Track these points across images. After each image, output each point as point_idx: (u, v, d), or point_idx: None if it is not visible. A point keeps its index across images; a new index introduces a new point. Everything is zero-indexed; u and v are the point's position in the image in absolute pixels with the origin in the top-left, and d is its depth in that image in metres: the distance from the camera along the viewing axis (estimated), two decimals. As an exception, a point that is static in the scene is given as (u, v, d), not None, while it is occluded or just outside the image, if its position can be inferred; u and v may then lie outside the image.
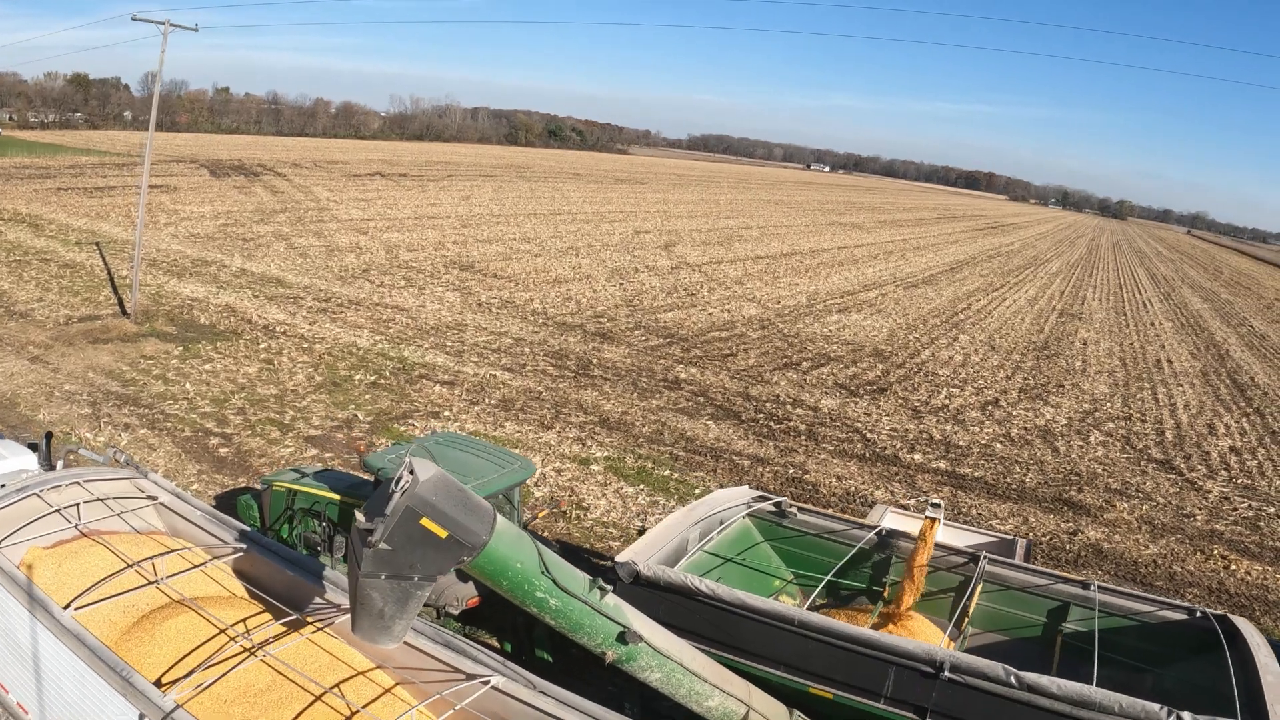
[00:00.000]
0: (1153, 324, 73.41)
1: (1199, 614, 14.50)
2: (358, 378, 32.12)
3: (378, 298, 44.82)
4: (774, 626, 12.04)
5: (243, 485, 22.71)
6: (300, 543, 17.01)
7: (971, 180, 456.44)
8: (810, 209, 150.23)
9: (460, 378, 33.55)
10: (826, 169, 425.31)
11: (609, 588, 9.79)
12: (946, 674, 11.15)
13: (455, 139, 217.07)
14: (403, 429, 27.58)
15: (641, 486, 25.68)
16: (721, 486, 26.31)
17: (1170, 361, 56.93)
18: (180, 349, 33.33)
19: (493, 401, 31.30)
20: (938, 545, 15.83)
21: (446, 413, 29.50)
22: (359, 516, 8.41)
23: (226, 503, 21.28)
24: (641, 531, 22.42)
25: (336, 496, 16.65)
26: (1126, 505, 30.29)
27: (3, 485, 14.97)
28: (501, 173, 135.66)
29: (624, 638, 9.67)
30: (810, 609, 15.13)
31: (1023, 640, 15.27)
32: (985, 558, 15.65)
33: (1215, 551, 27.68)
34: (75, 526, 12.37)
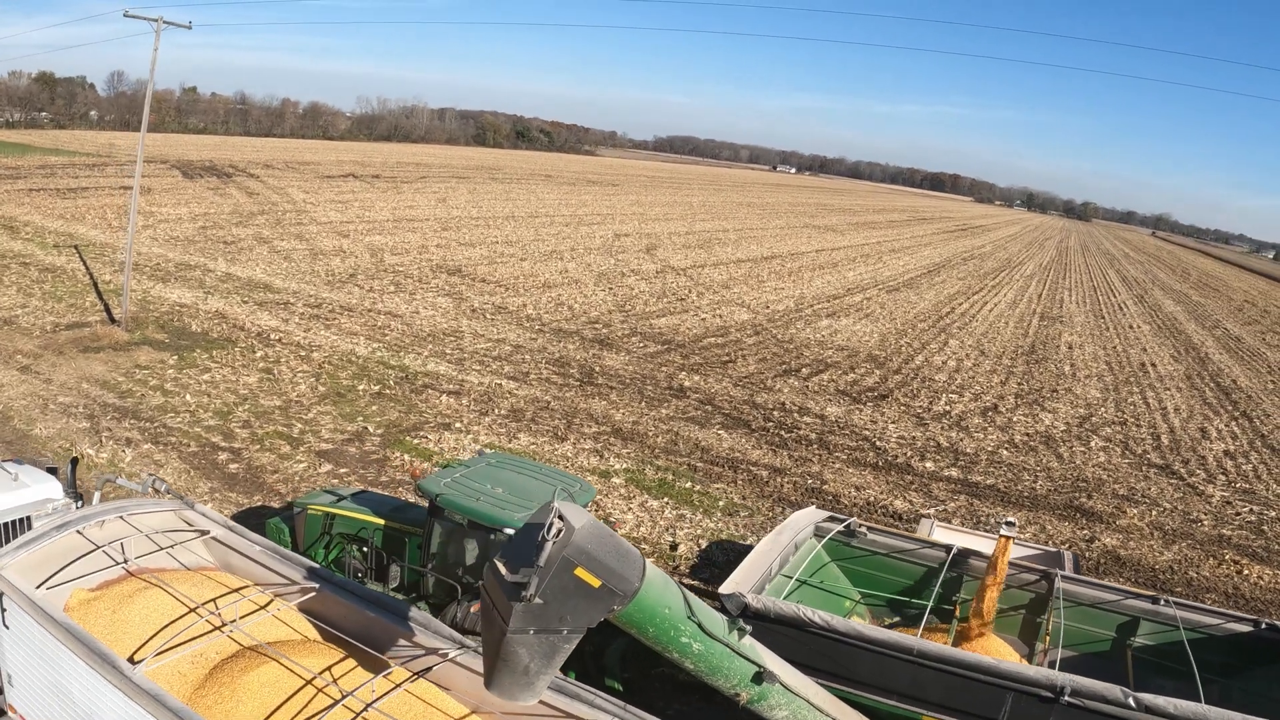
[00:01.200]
0: (1131, 327, 73.97)
1: (1264, 625, 14.75)
2: (361, 388, 31.56)
3: (369, 303, 44.20)
4: (888, 656, 11.83)
5: (258, 504, 22.08)
6: (338, 569, 16.48)
7: (937, 182, 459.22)
8: (782, 211, 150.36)
9: (465, 387, 33.09)
10: (793, 170, 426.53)
11: (748, 629, 9.49)
12: (1066, 698, 11.10)
13: (423, 140, 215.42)
14: (416, 442, 27.12)
15: (666, 499, 25.39)
16: (744, 499, 26.27)
17: (1154, 365, 57.34)
18: (175, 358, 32.54)
19: (502, 412, 30.88)
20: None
21: (458, 424, 29.07)
22: (500, 567, 8.02)
23: (246, 524, 20.67)
24: (674, 547, 22.28)
25: (381, 521, 16.16)
26: (1136, 511, 30.38)
27: (27, 513, 14.38)
28: (474, 174, 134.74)
29: (760, 678, 9.37)
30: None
31: (1093, 655, 15.29)
32: (1059, 575, 15.58)
33: (1227, 557, 27.83)
34: (121, 565, 11.75)
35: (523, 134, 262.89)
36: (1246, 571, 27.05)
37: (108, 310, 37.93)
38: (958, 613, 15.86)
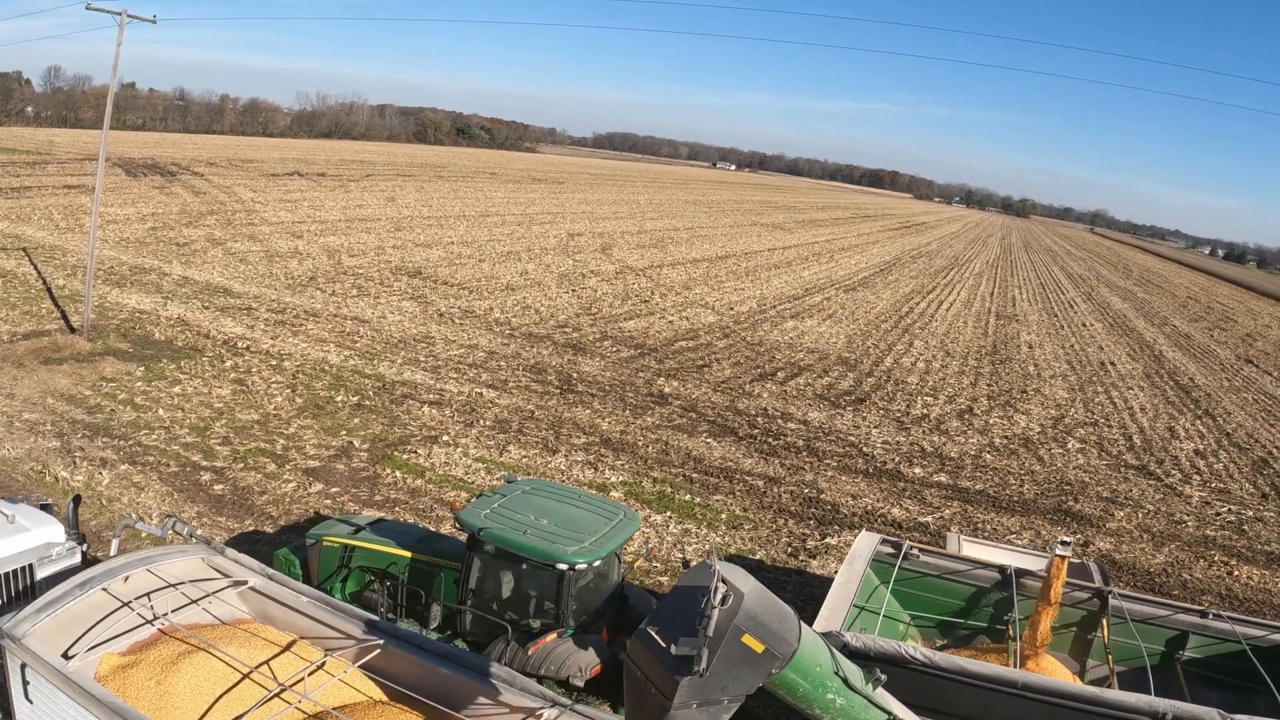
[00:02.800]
0: (1084, 325, 74.82)
1: None
2: (339, 399, 30.64)
3: (334, 308, 43.16)
4: (992, 690, 11.53)
5: (250, 528, 21.14)
6: (357, 603, 15.68)
7: (876, 179, 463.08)
8: (729, 209, 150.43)
9: (446, 396, 32.31)
10: (733, 167, 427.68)
11: (883, 678, 9.02)
12: None
13: (364, 137, 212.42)
14: (405, 457, 26.32)
15: (669, 514, 24.90)
16: (745, 510, 25.92)
17: (1114, 364, 57.95)
18: (142, 369, 31.33)
19: (488, 423, 30.16)
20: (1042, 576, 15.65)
21: (445, 437, 28.31)
22: (655, 637, 7.42)
23: (240, 552, 19.79)
24: (686, 564, 21.77)
25: (408, 554, 15.36)
26: (1123, 514, 30.49)
27: (28, 560, 13.28)
28: (419, 172, 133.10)
29: None
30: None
31: (1142, 670, 15.14)
32: (1113, 592, 15.59)
33: (1215, 558, 28.01)
34: (153, 623, 10.85)
35: (464, 131, 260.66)
36: (1237, 573, 27.22)
37: (65, 318, 36.55)
38: (1010, 633, 15.61)
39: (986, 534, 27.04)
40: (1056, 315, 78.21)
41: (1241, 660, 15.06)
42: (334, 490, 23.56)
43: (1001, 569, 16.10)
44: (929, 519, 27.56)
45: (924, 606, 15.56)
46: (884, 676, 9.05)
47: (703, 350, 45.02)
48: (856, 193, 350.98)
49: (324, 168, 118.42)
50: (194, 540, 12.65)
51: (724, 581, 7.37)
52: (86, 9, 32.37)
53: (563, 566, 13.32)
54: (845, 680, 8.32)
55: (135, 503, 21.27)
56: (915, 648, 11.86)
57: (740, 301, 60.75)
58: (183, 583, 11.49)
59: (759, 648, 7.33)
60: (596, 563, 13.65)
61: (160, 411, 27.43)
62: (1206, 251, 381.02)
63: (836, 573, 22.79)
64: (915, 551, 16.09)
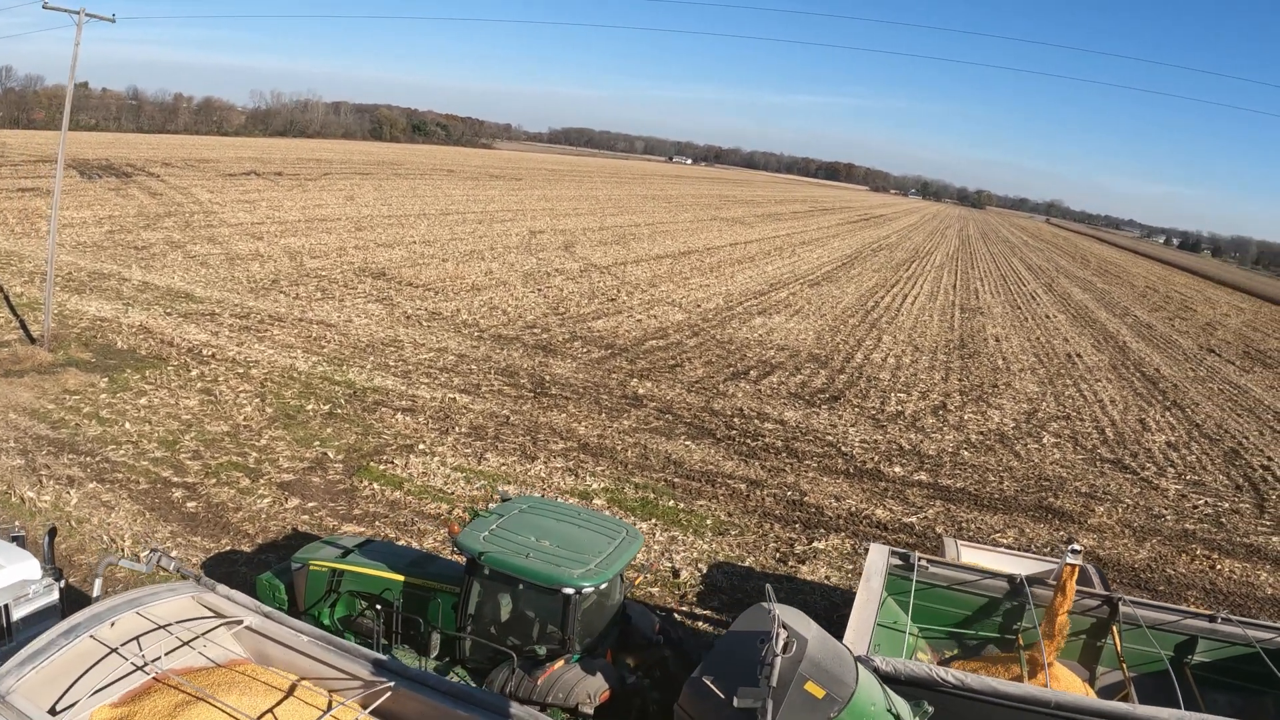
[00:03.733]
0: (1048, 317, 75.27)
1: None
2: (310, 407, 29.89)
3: (298, 312, 42.28)
4: (1025, 710, 11.37)
5: (227, 548, 20.38)
6: (346, 628, 15.10)
7: (832, 171, 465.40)
8: (688, 204, 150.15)
9: (418, 403, 31.66)
10: (689, 161, 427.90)
11: (930, 710, 8.69)
12: None
13: (319, 135, 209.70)
14: (382, 468, 25.66)
15: (654, 521, 24.45)
16: (730, 516, 25.58)
17: (1080, 356, 58.27)
18: (106, 380, 30.33)
19: (463, 430, 29.56)
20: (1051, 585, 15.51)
21: (421, 446, 27.68)
22: (714, 689, 7.02)
23: (223, 576, 19.04)
24: (676, 573, 21.38)
25: (401, 578, 14.76)
26: (1103, 509, 30.47)
27: (3, 600, 12.51)
28: (376, 170, 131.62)
29: None
30: (941, 663, 14.51)
31: (1153, 675, 15.21)
32: (1123, 599, 15.56)
33: (1197, 552, 28.06)
34: (144, 669, 10.19)
35: (419, 128, 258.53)
36: (1219, 566, 27.28)
37: (24, 328, 35.43)
38: (1020, 642, 15.49)
39: (972, 534, 26.87)
40: (1020, 307, 78.63)
41: (1249, 664, 15.05)
42: (311, 505, 22.86)
43: (1011, 578, 15.91)
44: (913, 519, 27.33)
45: (932, 617, 15.28)
46: (931, 709, 8.78)
47: (673, 349, 44.62)
48: (813, 185, 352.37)
49: (281, 167, 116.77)
50: (181, 575, 11.97)
51: (784, 627, 7.02)
52: (44, 8, 31.37)
53: (569, 591, 12.82)
54: (897, 717, 8.00)
55: (106, 523, 20.45)
56: (947, 670, 11.53)
57: (707, 298, 60.40)
58: (174, 624, 10.85)
59: (820, 693, 7.04)
60: (603, 585, 13.18)
61: (127, 425, 26.51)
62: (1161, 241, 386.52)
63: (826, 578, 22.68)
64: (924, 563, 15.81)
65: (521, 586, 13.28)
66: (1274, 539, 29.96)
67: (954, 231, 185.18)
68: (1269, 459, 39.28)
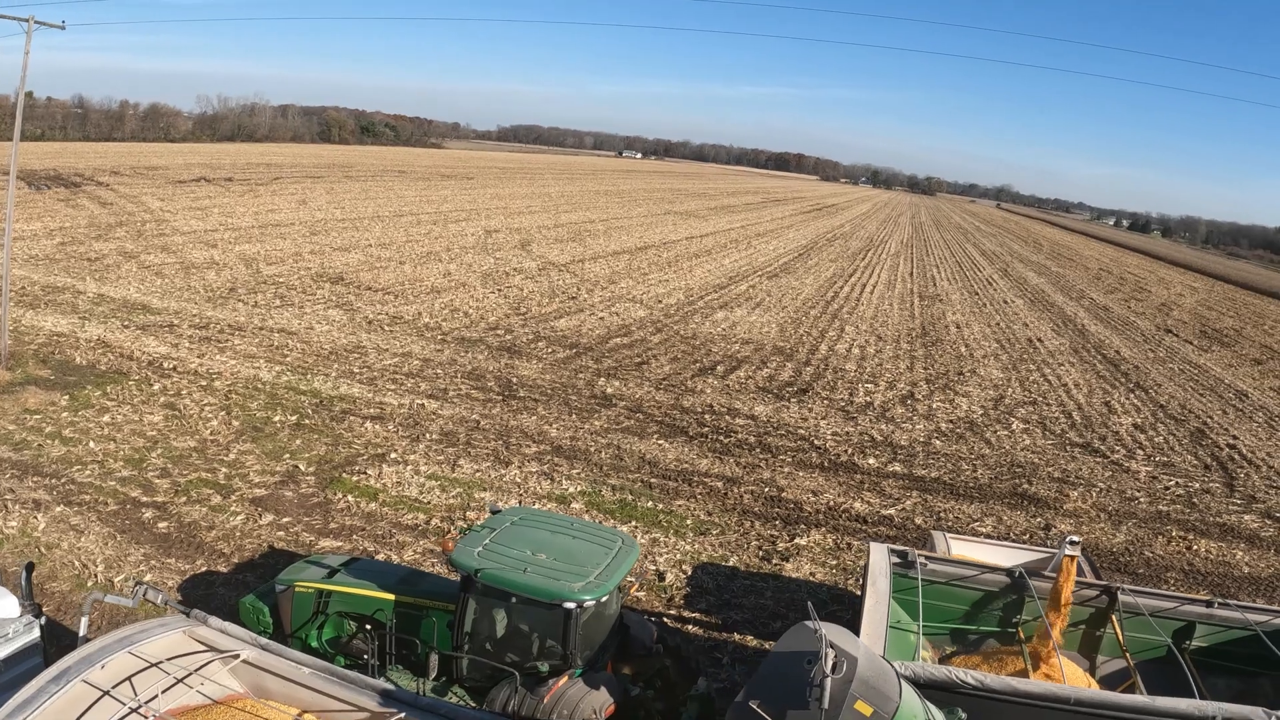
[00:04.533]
0: (1005, 302, 75.81)
1: None
2: (277, 419, 29.24)
3: (258, 320, 41.46)
4: (1046, 708, 11.28)
5: (203, 569, 19.75)
6: (335, 649, 14.64)
7: (781, 162, 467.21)
8: (641, 198, 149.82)
9: (386, 410, 31.11)
10: (639, 156, 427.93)
11: (964, 716, 8.52)
12: None
13: (268, 139, 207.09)
14: (355, 479, 25.12)
15: (634, 523, 24.13)
16: (709, 514, 25.36)
17: (1041, 340, 58.68)
18: (67, 398, 29.43)
19: (434, 436, 29.06)
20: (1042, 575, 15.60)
21: (393, 454, 27.15)
22: (754, 708, 6.72)
23: (201, 599, 18.55)
24: (661, 578, 21.13)
25: (392, 597, 14.32)
26: (1077, 494, 30.58)
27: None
28: (326, 173, 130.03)
29: None
30: (942, 660, 14.40)
31: (1152, 662, 15.30)
32: (1122, 588, 15.63)
33: (1173, 534, 28.23)
34: (138, 710, 9.69)
35: (368, 129, 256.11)
36: (1195, 547, 27.46)
37: (-25, 346, 34.39)
38: (1021, 635, 15.49)
39: (950, 524, 26.82)
40: (978, 294, 79.11)
41: (1245, 646, 15.17)
42: (285, 520, 22.27)
43: (1009, 572, 15.87)
44: (891, 511, 27.23)
45: (932, 614, 15.11)
46: (965, 715, 8.63)
47: (638, 346, 44.31)
48: (764, 177, 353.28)
49: (230, 172, 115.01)
50: (170, 608, 11.45)
51: (831, 646, 6.77)
52: (-4, 16, 30.49)
53: (570, 605, 12.47)
54: None
55: (76, 548, 19.77)
56: (965, 672, 11.36)
57: (667, 294, 60.14)
58: (167, 661, 10.34)
59: (868, 711, 6.82)
60: (604, 598, 12.85)
61: (91, 444, 25.68)
62: (1111, 222, 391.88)
63: (811, 575, 22.48)
64: (922, 560, 15.67)
65: (520, 602, 12.91)
66: (1246, 517, 30.23)
67: (907, 219, 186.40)
68: (1234, 438, 39.69)
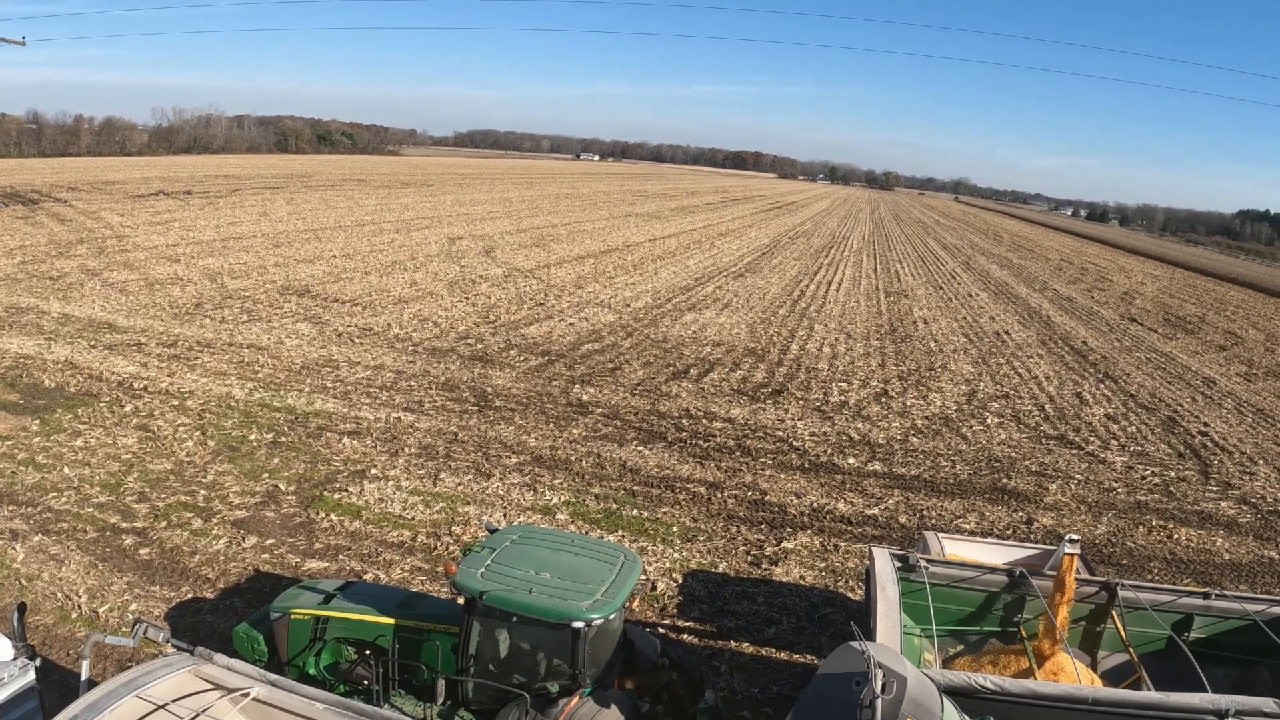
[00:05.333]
0: (970, 295, 76.33)
1: None
2: (253, 437, 28.81)
3: (227, 336, 40.90)
4: (1065, 709, 11.41)
5: (188, 596, 19.33)
6: (335, 676, 14.38)
7: (739, 160, 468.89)
8: (601, 201, 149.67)
9: (363, 425, 30.76)
10: (596, 158, 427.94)
11: None
12: (1231, 719, 11.14)
13: (224, 150, 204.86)
14: (337, 497, 24.78)
15: (620, 532, 23.98)
16: (695, 521, 25.27)
17: (1008, 333, 59.10)
18: (37, 422, 28.80)
19: (413, 450, 28.76)
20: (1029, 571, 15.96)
21: (373, 470, 26.82)
22: None
23: (190, 627, 18.20)
24: (653, 587, 20.99)
25: (391, 621, 14.08)
26: (1055, 487, 30.78)
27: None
28: (285, 183, 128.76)
29: None
30: (946, 661, 14.47)
31: (1151, 655, 15.47)
32: (1120, 584, 15.87)
33: (1154, 524, 28.49)
34: None
35: (325, 138, 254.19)
36: (1176, 536, 27.71)
37: (-62, 372, 33.69)
38: (1022, 633, 15.68)
39: (934, 521, 26.89)
40: (943, 288, 79.60)
41: (1240, 636, 15.47)
42: (269, 542, 21.90)
43: (1010, 572, 16.00)
44: (875, 511, 27.26)
45: (935, 616, 15.14)
46: None
47: (610, 352, 44.16)
48: (722, 176, 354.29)
49: (189, 185, 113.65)
50: (170, 644, 11.14)
51: (879, 666, 6.71)
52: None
53: (579, 624, 12.31)
54: None
55: (58, 579, 19.31)
56: (984, 677, 11.40)
57: (635, 297, 60.02)
58: (174, 703, 9.99)
59: None
60: (612, 615, 12.71)
61: (66, 470, 25.14)
62: (1069, 213, 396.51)
63: (801, 579, 22.43)
64: (923, 563, 15.71)
65: (527, 623, 12.73)
66: (1223, 504, 30.55)
67: (866, 214, 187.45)
68: (1205, 425, 40.14)
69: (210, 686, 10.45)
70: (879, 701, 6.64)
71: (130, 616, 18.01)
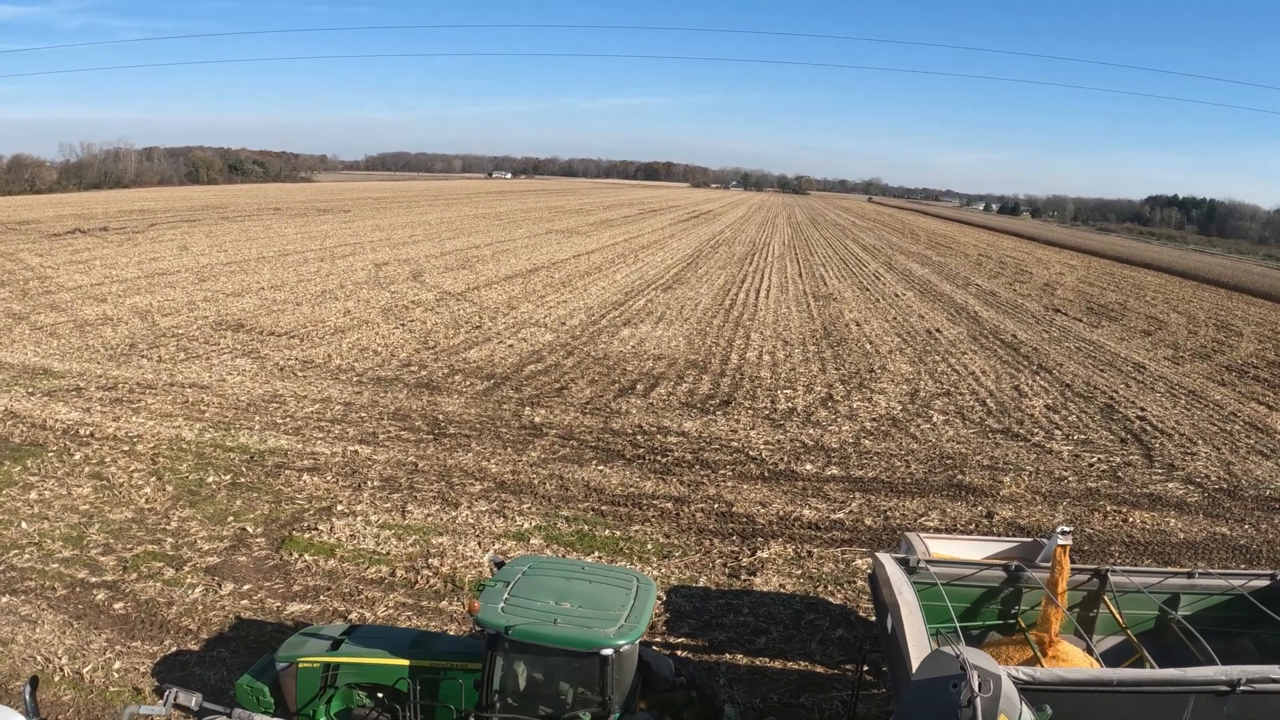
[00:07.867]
0: (897, 295, 77.63)
1: (1277, 578, 16.51)
2: (211, 480, 28.26)
3: (167, 376, 40.05)
4: (1088, 692, 11.94)
5: (172, 650, 18.80)
6: None
7: (651, 171, 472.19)
8: (520, 219, 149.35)
9: (320, 460, 30.37)
10: (509, 175, 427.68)
11: (1050, 711, 8.91)
12: (1243, 687, 11.84)
13: (136, 184, 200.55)
14: (307, 537, 24.41)
15: (597, 554, 24.01)
16: (668, 537, 25.40)
17: (939, 331, 60.27)
18: (-16, 478, 27.99)
19: (375, 483, 28.48)
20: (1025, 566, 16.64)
21: (339, 506, 26.49)
22: None
23: (180, 682, 17.76)
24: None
25: (406, 662, 13.96)
26: (1009, 479, 31.48)
27: None
28: (202, 215, 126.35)
29: None
30: None
31: (1143, 635, 16.16)
32: (1110, 570, 16.57)
33: (1107, 508, 29.41)
34: None
35: (236, 167, 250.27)
36: (1131, 519, 28.63)
37: None
38: (1021, 624, 16.29)
39: (898, 521, 27.36)
40: (869, 289, 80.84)
41: (1222, 610, 16.41)
42: (246, 588, 21.51)
43: (1007, 567, 16.54)
44: (841, 515, 27.66)
45: (935, 614, 15.50)
46: (1050, 710, 9.09)
47: (554, 371, 44.15)
48: (636, 187, 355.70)
49: (105, 221, 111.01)
50: (204, 708, 10.95)
51: (971, 667, 7.03)
52: None
53: (608, 652, 12.36)
54: None
55: (33, 640, 18.75)
56: (1018, 669, 11.79)
57: (569, 315, 60.04)
58: None
59: None
60: (638, 640, 12.78)
61: (23, 524, 24.37)
62: (981, 207, 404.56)
63: (781, 587, 22.67)
64: (924, 565, 16.10)
65: (553, 654, 12.74)
66: (1170, 485, 31.57)
67: (784, 219, 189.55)
68: (1142, 409, 41.37)
69: None
70: (979, 700, 6.96)
71: (154, 684, 17.48)
